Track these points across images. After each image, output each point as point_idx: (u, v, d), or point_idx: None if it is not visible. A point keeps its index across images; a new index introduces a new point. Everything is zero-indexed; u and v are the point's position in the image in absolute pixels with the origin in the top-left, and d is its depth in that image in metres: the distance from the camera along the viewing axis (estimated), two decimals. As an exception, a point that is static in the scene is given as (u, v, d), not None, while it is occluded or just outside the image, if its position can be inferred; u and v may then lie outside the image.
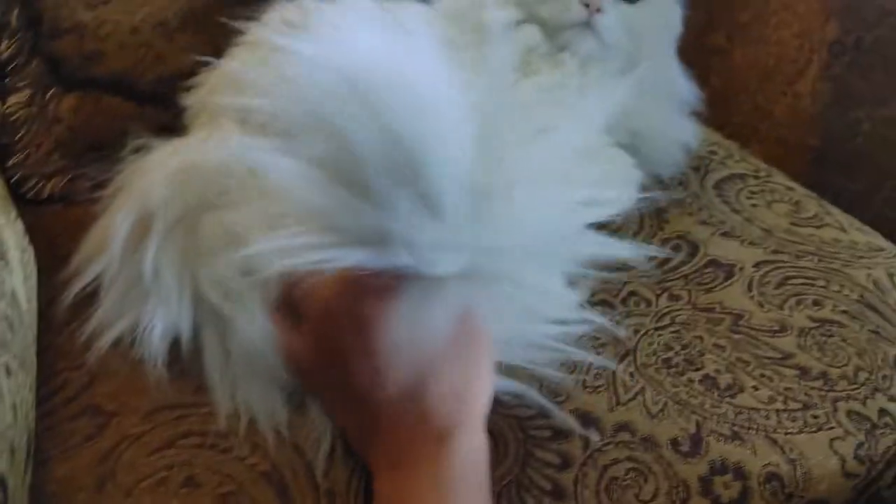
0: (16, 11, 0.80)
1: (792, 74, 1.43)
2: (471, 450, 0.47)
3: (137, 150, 0.67)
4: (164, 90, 0.79)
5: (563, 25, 0.74)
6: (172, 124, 0.75)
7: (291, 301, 0.54)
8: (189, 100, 0.73)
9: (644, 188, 0.76)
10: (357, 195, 0.43)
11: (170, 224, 0.59)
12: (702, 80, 1.50)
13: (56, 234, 0.71)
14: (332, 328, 0.50)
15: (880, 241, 0.77)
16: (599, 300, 0.65)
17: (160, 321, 0.56)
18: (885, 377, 0.61)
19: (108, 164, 0.68)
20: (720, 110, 1.65)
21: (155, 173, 0.62)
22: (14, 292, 0.55)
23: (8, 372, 0.48)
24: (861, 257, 0.73)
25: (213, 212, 0.59)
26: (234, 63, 0.71)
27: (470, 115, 0.57)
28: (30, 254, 0.64)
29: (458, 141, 0.46)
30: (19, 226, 0.66)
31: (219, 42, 0.80)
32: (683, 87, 0.83)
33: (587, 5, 0.73)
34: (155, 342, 0.55)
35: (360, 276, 0.45)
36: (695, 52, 1.61)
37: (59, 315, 0.60)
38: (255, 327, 0.55)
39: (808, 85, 1.38)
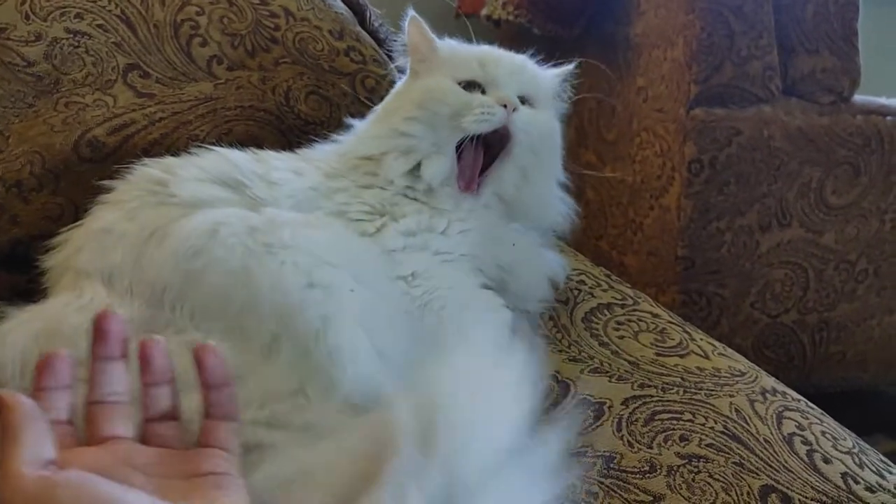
0: None
1: (657, 190, 1.52)
2: None
3: None
4: (22, 253, 0.77)
5: (489, 127, 0.77)
6: (29, 288, 0.73)
7: None
8: (50, 261, 0.70)
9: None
10: None
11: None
12: (578, 193, 1.57)
13: None
14: None
15: (741, 363, 0.81)
16: (473, 452, 0.65)
17: None
18: (751, 512, 0.62)
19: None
20: (597, 222, 1.73)
21: (11, 344, 0.59)
22: None
23: None
24: (724, 385, 0.75)
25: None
26: (99, 222, 0.70)
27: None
28: None
29: None
30: None
31: (79, 200, 0.79)
32: (558, 211, 0.87)
33: (505, 106, 0.77)
34: None
35: None
36: (570, 167, 1.69)
37: None
38: None
39: (673, 200, 1.47)
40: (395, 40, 1.03)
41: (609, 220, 1.71)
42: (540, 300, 0.83)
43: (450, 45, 0.84)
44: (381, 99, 0.95)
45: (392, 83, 0.99)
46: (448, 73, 0.81)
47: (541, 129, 0.81)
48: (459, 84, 0.80)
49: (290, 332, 0.63)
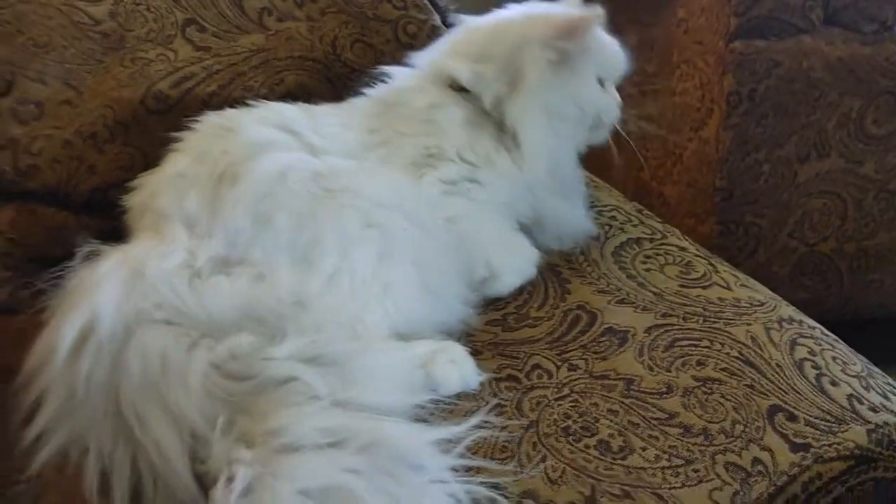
0: (-49, 130, 0.86)
1: (697, 122, 1.54)
2: None
3: (88, 257, 0.71)
4: (99, 199, 0.85)
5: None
6: (111, 230, 0.80)
7: None
8: (131, 201, 0.78)
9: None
10: None
11: (108, 336, 0.64)
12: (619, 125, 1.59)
13: (1, 346, 0.75)
14: None
15: (761, 294, 0.86)
16: (506, 375, 0.72)
17: (93, 440, 0.61)
18: (758, 428, 0.69)
19: (49, 273, 0.73)
20: (637, 154, 1.76)
21: (105, 284, 0.66)
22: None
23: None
24: (742, 314, 0.81)
25: (145, 326, 0.64)
26: (173, 167, 0.77)
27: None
28: (-22, 375, 0.69)
29: None
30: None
31: (147, 150, 0.86)
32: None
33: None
34: (90, 465, 0.60)
35: None
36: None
37: (11, 428, 0.64)
38: (163, 454, 0.59)
39: (711, 132, 1.49)
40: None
41: (650, 152, 1.73)
42: (570, 244, 0.89)
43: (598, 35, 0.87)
44: (422, 45, 1.00)
45: (433, 28, 1.04)
46: (594, 70, 0.86)
47: None
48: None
49: (350, 265, 0.70)
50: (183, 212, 0.72)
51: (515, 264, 0.82)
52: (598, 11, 0.85)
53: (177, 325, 0.65)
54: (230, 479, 0.56)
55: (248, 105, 0.82)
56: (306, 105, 0.83)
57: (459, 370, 0.70)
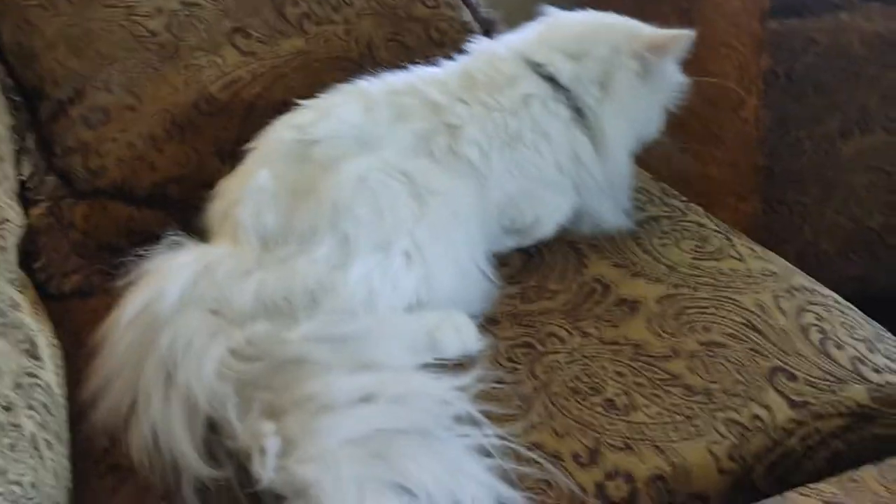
0: (32, 136, 0.96)
1: (736, 102, 1.56)
2: None
3: (171, 246, 0.78)
4: (159, 194, 0.94)
5: None
6: (168, 221, 0.89)
7: None
8: (214, 207, 0.84)
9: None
10: None
11: (163, 314, 0.71)
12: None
13: (77, 324, 0.85)
14: None
15: (776, 265, 0.89)
16: (522, 342, 0.78)
17: (122, 410, 0.68)
18: (758, 388, 0.73)
19: (118, 260, 0.82)
20: (677, 137, 1.78)
21: (179, 271, 0.74)
22: (48, 384, 0.69)
23: (48, 445, 0.62)
24: (753, 284, 0.85)
25: (192, 311, 0.72)
26: (252, 179, 0.81)
27: None
28: (58, 347, 0.78)
29: None
30: (48, 326, 0.80)
31: (200, 148, 0.96)
32: None
33: None
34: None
35: None
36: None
37: (84, 391, 0.73)
38: (167, 427, 0.67)
39: (750, 111, 1.52)
40: None
41: (690, 134, 1.75)
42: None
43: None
44: (453, 41, 1.06)
45: (463, 24, 1.10)
46: (664, 93, 0.95)
47: None
48: None
49: (422, 249, 0.78)
50: (260, 227, 0.78)
51: (556, 213, 0.90)
52: (691, 33, 0.90)
53: (221, 315, 0.72)
54: (262, 451, 0.63)
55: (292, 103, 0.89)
56: (363, 92, 0.88)
57: (461, 336, 0.77)
